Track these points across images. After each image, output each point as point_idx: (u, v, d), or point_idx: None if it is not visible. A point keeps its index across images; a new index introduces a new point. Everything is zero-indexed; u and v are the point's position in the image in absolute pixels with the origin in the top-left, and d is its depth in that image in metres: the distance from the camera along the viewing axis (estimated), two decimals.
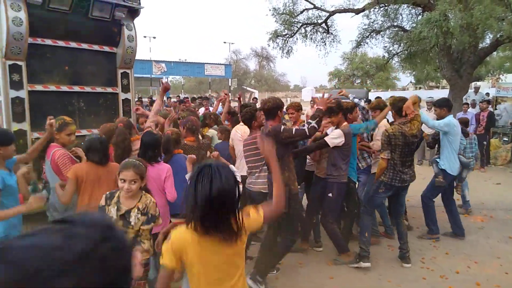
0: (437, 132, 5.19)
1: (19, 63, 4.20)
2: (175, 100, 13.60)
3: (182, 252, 1.69)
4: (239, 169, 4.46)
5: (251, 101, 17.76)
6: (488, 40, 12.00)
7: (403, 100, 4.34)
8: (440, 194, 5.27)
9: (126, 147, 3.68)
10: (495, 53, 15.06)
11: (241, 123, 4.62)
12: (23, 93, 4.25)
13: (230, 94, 12.52)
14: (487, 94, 14.61)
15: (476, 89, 12.94)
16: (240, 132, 4.71)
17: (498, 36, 10.84)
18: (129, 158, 3.10)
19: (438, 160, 5.05)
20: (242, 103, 6.16)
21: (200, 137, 4.43)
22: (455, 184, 5.44)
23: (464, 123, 6.38)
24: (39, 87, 4.46)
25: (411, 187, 4.53)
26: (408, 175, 4.30)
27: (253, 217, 1.83)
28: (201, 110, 8.68)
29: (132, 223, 2.61)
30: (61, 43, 4.63)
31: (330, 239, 4.48)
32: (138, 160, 2.75)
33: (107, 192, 2.72)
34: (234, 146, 4.77)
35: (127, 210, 2.61)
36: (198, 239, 1.67)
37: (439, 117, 4.97)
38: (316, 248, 4.78)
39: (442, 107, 4.96)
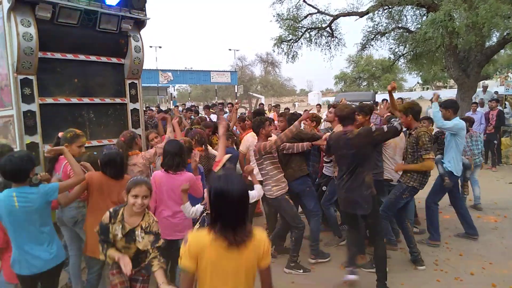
0: (441, 131, 5.15)
1: (30, 77, 4.28)
2: (180, 108, 13.70)
3: (198, 255, 1.74)
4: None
5: (258, 107, 17.82)
6: (494, 38, 11.93)
7: (418, 103, 4.43)
8: (448, 197, 5.24)
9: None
10: (502, 51, 14.95)
11: None
12: (34, 107, 4.32)
13: (239, 100, 12.64)
14: (496, 92, 14.47)
15: (484, 88, 12.83)
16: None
17: (505, 34, 10.77)
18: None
19: (443, 160, 5.00)
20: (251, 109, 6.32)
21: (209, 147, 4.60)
22: (460, 184, 5.38)
23: (469, 122, 6.36)
24: (49, 100, 4.53)
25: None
26: (428, 178, 4.35)
27: (267, 250, 1.86)
28: (213, 117, 8.76)
29: (137, 241, 2.66)
30: (70, 56, 4.71)
31: None
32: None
33: (111, 210, 2.73)
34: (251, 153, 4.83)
35: (131, 228, 2.67)
36: (215, 244, 1.73)
37: (445, 119, 4.90)
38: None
39: (448, 108, 4.91)
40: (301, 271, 4.24)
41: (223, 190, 1.74)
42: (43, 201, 2.77)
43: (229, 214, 1.73)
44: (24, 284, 2.83)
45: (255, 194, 3.38)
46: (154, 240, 2.68)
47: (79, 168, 3.10)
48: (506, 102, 11.68)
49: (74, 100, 4.78)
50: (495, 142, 9.57)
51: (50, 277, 2.87)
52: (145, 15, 5.25)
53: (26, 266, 2.74)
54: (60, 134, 3.63)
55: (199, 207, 3.06)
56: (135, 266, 2.72)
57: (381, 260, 3.82)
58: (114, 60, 5.16)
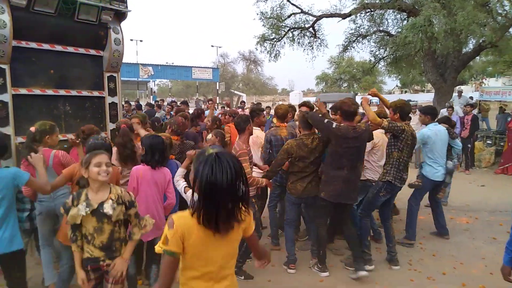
0: None
1: (2, 66, 4.11)
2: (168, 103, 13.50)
3: (185, 237, 1.65)
4: None
5: (239, 105, 17.78)
6: (471, 45, 12.29)
7: (409, 105, 4.49)
8: (428, 198, 5.43)
9: (133, 147, 3.71)
10: (478, 58, 15.39)
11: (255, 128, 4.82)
12: (6, 97, 4.16)
13: (218, 97, 12.56)
14: (471, 97, 14.91)
15: (459, 93, 13.20)
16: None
17: (480, 41, 11.10)
18: None
19: (423, 164, 5.16)
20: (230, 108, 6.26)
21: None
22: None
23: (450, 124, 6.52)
24: (23, 91, 4.37)
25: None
26: (406, 176, 4.36)
27: (251, 220, 1.83)
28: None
29: (110, 213, 2.52)
30: (46, 46, 4.55)
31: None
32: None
33: (74, 192, 2.60)
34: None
35: (100, 202, 2.52)
36: (203, 227, 1.65)
37: (423, 123, 5.05)
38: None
39: (427, 114, 5.06)
40: (242, 277, 4.03)
41: (213, 178, 1.57)
42: (10, 182, 2.68)
43: (220, 201, 1.60)
44: None
45: None
46: (128, 208, 2.60)
47: (46, 179, 2.98)
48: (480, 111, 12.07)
49: (50, 92, 4.63)
50: (469, 146, 9.86)
51: (8, 262, 2.78)
52: (126, 7, 5.14)
53: None
54: (32, 129, 3.48)
55: (182, 184, 3.05)
56: (109, 256, 2.59)
57: (354, 240, 4.16)
58: (92, 52, 5.03)
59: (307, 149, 4.06)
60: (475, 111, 11.07)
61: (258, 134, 4.88)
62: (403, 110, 4.31)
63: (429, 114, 5.06)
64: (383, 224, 4.66)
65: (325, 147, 4.10)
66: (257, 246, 1.99)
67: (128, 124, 4.18)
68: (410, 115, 8.56)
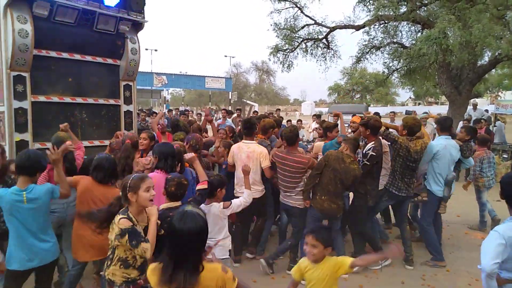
0: None
1: (23, 74, 4.24)
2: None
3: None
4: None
5: (251, 114, 17.83)
6: (486, 57, 12.14)
7: (418, 125, 4.53)
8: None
9: (128, 165, 3.70)
10: (493, 70, 15.19)
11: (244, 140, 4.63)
12: (26, 104, 4.28)
13: (230, 106, 12.55)
14: (486, 110, 14.69)
15: (474, 106, 13.02)
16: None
17: (496, 54, 10.97)
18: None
19: (429, 180, 4.81)
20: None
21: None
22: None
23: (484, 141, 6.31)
24: (42, 98, 4.49)
25: None
26: (403, 186, 4.48)
27: (228, 276, 1.88)
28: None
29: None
30: (65, 55, 4.68)
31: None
32: None
33: (120, 215, 2.42)
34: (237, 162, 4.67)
35: (145, 226, 2.53)
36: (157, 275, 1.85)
37: (437, 133, 4.98)
38: None
39: (437, 124, 5.06)
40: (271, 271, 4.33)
41: (177, 228, 1.78)
42: (49, 196, 2.84)
43: (180, 253, 1.77)
44: (12, 279, 2.79)
45: (240, 201, 3.44)
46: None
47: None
48: (500, 121, 11.85)
49: (67, 100, 4.74)
50: None
51: (46, 271, 2.91)
52: (143, 17, 5.25)
53: (25, 260, 2.75)
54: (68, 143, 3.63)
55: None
56: (143, 272, 2.48)
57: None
58: (110, 61, 5.14)
59: (344, 165, 4.04)
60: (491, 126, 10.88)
61: (254, 149, 4.41)
62: (411, 129, 4.46)
63: (439, 124, 4.87)
64: (398, 227, 4.87)
65: (361, 175, 4.15)
66: None
67: (133, 140, 4.12)
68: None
